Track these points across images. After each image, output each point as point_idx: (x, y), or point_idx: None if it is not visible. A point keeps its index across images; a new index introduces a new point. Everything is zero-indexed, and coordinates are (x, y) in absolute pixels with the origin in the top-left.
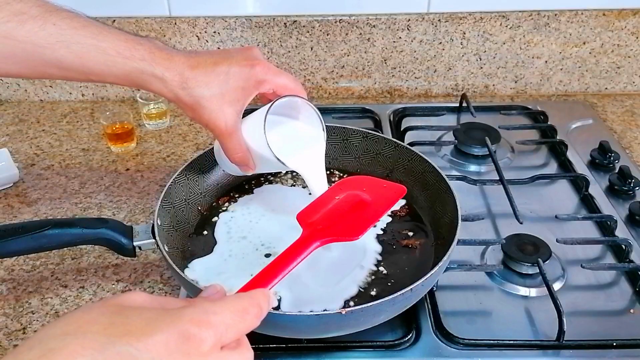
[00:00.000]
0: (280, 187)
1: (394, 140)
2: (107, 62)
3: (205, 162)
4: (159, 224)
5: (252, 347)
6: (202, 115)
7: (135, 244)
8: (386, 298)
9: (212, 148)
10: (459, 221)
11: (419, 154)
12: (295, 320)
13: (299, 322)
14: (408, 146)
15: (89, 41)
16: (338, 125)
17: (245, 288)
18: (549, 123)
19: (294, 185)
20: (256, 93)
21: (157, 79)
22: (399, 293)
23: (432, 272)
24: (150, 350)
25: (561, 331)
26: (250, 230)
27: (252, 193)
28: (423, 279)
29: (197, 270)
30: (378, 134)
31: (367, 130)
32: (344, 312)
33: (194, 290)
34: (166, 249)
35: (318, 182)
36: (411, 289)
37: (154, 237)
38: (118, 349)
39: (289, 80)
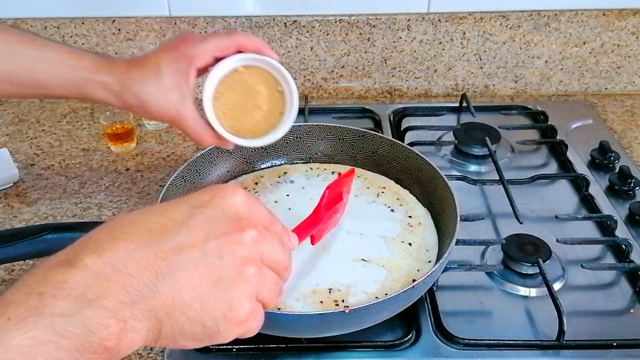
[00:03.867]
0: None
1: (390, 138)
2: (54, 73)
3: (202, 163)
4: None
5: (252, 347)
6: (151, 112)
7: None
8: (388, 296)
9: (208, 150)
10: (458, 216)
11: (414, 152)
12: (297, 320)
13: (301, 321)
14: (403, 144)
15: (35, 53)
16: (333, 124)
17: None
18: (549, 123)
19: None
20: (194, 70)
21: (100, 85)
22: (401, 290)
23: (434, 269)
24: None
25: (561, 331)
26: None
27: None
28: (424, 276)
29: None
30: (373, 132)
31: (363, 129)
32: (346, 311)
33: None
34: None
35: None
36: (413, 286)
37: None
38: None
39: (221, 39)
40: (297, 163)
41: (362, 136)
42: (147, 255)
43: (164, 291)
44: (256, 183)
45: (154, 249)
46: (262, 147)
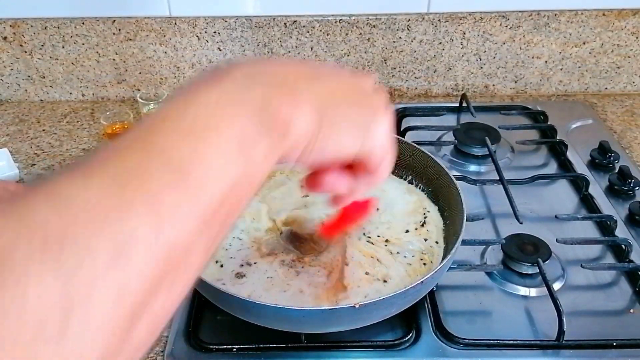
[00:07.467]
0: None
1: (395, 136)
2: None
3: None
4: None
5: (252, 347)
6: None
7: None
8: (398, 291)
9: None
10: (465, 212)
11: (420, 149)
12: (307, 315)
13: (311, 316)
14: (409, 142)
15: None
16: None
17: None
18: (548, 123)
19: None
20: None
21: None
22: (410, 285)
23: (442, 264)
24: None
25: (561, 331)
26: (243, 222)
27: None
28: (433, 272)
29: None
30: None
31: None
32: (357, 306)
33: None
34: None
35: None
36: (422, 281)
37: None
38: None
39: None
40: None
41: None
42: (303, 70)
43: (321, 90)
44: None
45: (305, 67)
46: None
